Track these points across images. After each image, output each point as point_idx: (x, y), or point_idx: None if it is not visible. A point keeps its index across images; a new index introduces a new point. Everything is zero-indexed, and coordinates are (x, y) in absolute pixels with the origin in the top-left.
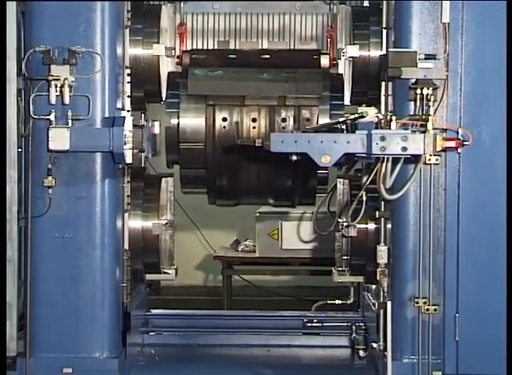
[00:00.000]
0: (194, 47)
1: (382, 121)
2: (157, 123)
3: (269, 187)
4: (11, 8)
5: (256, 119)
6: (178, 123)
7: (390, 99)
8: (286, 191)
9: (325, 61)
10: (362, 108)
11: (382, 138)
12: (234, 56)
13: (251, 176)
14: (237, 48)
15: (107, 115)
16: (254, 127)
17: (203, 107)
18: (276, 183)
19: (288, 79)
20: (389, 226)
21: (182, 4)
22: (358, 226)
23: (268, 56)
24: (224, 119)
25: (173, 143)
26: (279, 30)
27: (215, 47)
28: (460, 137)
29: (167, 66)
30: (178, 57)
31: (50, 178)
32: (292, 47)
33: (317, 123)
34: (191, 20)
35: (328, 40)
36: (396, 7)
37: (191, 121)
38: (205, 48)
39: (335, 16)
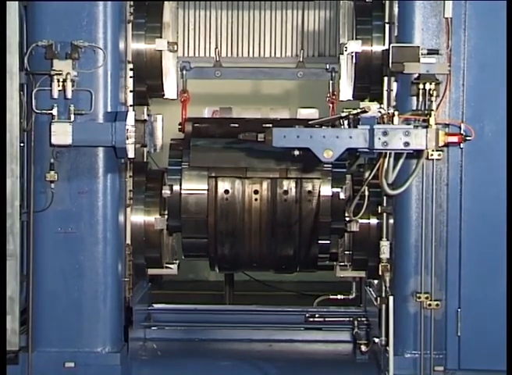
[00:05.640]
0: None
1: (385, 116)
2: (159, 117)
3: (271, 258)
4: (13, 3)
5: (258, 191)
6: (180, 193)
7: (393, 94)
8: (288, 260)
9: None
10: (364, 103)
11: (385, 133)
12: (236, 125)
13: (253, 247)
14: (240, 113)
15: (109, 109)
16: (255, 199)
17: (205, 176)
18: (278, 254)
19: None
20: (391, 221)
21: (184, 71)
22: (360, 221)
23: (269, 125)
24: (226, 192)
25: (175, 211)
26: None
27: (218, 111)
28: (462, 132)
29: (169, 61)
30: (180, 124)
31: (52, 173)
32: (294, 113)
33: (318, 194)
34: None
35: (330, 106)
36: (399, 2)
37: (193, 192)
38: (207, 110)
39: (336, 83)
